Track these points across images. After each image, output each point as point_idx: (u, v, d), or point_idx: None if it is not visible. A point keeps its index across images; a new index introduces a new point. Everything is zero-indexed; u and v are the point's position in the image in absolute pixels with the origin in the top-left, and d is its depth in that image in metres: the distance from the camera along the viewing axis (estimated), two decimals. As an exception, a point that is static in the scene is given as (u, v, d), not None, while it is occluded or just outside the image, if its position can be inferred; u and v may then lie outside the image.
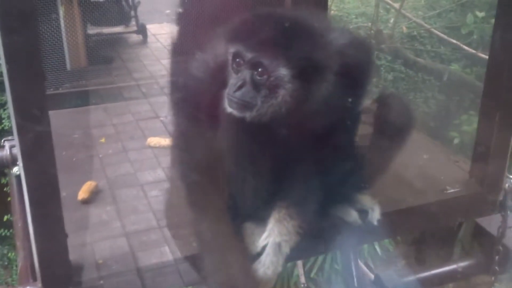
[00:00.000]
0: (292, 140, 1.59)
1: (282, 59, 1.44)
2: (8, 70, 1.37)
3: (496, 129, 2.07)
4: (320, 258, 4.81)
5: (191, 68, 1.62)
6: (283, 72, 1.44)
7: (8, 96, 1.46)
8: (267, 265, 1.61)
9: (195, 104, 1.64)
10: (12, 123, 1.51)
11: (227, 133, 1.60)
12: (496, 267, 2.34)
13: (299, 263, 4.60)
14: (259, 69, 1.45)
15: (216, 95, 1.55)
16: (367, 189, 1.85)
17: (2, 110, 4.96)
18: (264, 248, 1.63)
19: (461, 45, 5.17)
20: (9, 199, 5.02)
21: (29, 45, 1.37)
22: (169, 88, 1.73)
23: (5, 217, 5.13)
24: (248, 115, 1.49)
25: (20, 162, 1.52)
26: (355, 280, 2.27)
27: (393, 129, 1.71)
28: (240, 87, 1.47)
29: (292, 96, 1.47)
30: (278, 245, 1.61)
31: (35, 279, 1.76)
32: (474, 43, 5.35)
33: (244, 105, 1.48)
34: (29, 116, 1.42)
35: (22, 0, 1.33)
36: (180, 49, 1.99)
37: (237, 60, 1.48)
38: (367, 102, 1.70)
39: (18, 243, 2.36)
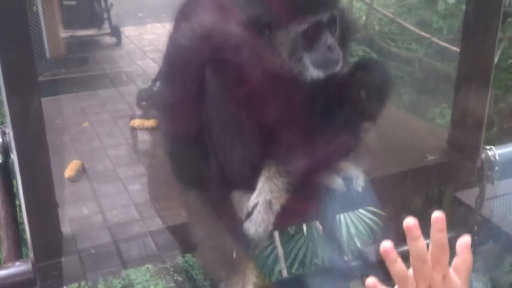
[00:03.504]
0: (287, 101, 1.63)
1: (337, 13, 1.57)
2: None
3: (471, 99, 2.17)
4: (301, 253, 4.91)
5: (181, 39, 1.64)
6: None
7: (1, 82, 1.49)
8: (258, 222, 1.63)
9: (184, 74, 1.65)
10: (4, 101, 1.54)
11: (216, 100, 1.62)
12: (476, 238, 2.42)
13: (281, 258, 4.68)
14: (333, 27, 1.57)
15: (206, 63, 1.58)
16: (351, 156, 1.88)
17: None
18: (254, 207, 1.65)
19: (433, 38, 5.30)
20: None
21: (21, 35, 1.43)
22: (162, 59, 1.75)
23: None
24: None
25: (11, 132, 1.54)
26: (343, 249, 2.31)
27: (373, 92, 1.72)
28: (329, 48, 1.55)
29: None
30: (269, 203, 1.63)
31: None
32: (444, 37, 5.48)
33: (335, 63, 1.58)
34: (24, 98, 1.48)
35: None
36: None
37: (315, 27, 1.53)
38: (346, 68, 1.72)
39: (1, 233, 2.34)
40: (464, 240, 0.92)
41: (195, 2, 1.72)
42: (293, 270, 4.72)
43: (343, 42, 1.63)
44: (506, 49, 5.06)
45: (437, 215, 0.89)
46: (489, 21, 2.09)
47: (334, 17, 1.56)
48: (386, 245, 0.89)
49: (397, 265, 0.89)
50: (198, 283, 4.62)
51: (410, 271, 0.92)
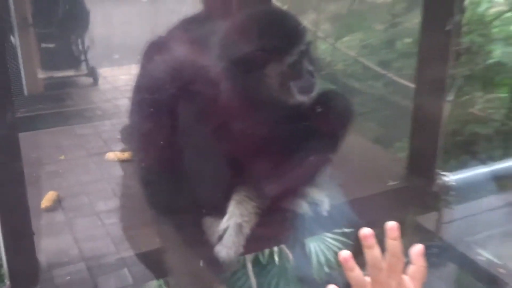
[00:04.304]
0: (256, 132, 1.66)
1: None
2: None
3: (426, 131, 2.27)
4: (274, 283, 4.89)
5: (155, 71, 1.67)
6: None
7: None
8: (229, 245, 1.64)
9: (156, 105, 1.67)
10: None
11: (187, 130, 1.64)
12: (435, 259, 2.48)
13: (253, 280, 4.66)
14: (309, 54, 1.63)
15: (177, 95, 1.61)
16: (317, 182, 1.92)
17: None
18: (225, 231, 1.66)
19: (396, 78, 5.43)
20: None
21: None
22: (132, 92, 1.77)
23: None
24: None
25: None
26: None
27: (336, 122, 1.79)
28: (310, 74, 1.62)
29: None
30: (239, 226, 1.65)
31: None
32: (403, 75, 5.62)
33: (315, 86, 1.64)
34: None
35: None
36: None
37: (298, 56, 1.59)
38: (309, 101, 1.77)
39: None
40: (418, 248, 0.94)
41: (171, 38, 1.77)
42: (264, 288, 4.68)
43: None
44: (461, 86, 5.23)
45: (391, 225, 0.91)
46: (440, 59, 2.17)
47: (309, 45, 1.63)
48: (345, 254, 0.91)
49: (354, 273, 0.91)
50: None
51: (368, 278, 0.93)
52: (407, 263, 0.96)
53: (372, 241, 0.91)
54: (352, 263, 0.91)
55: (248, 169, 1.70)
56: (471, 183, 2.53)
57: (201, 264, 1.70)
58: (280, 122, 1.67)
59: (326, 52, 6.21)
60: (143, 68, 1.71)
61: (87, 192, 2.33)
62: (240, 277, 4.71)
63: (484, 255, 2.49)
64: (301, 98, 1.64)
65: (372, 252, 0.91)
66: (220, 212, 1.72)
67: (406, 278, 0.94)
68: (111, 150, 2.65)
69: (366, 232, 0.90)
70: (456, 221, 2.66)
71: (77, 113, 3.26)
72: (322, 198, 1.91)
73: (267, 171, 1.71)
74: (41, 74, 4.11)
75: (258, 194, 1.70)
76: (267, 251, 4.91)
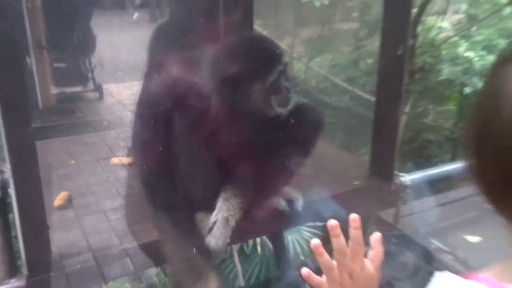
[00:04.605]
0: (241, 139, 1.68)
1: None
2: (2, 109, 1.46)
3: (385, 138, 2.30)
4: (256, 270, 4.89)
5: (155, 88, 1.67)
6: None
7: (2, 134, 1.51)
8: (218, 236, 1.65)
9: (155, 117, 1.67)
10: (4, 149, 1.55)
11: (182, 137, 1.65)
12: (394, 248, 2.50)
13: (240, 274, 4.66)
14: (286, 73, 1.65)
15: (174, 109, 1.63)
16: (292, 183, 1.92)
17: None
18: (214, 224, 1.67)
19: (360, 92, 5.48)
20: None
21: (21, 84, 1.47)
22: (135, 106, 1.78)
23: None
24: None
25: (10, 170, 1.54)
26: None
27: (308, 131, 1.81)
28: (287, 90, 1.64)
29: None
30: (226, 219, 1.66)
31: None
32: (367, 90, 5.67)
33: (291, 100, 1.66)
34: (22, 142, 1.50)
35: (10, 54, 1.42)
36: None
37: (277, 75, 1.61)
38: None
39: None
40: (376, 236, 0.95)
41: (169, 60, 1.77)
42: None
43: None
44: (416, 100, 5.30)
45: (353, 216, 0.92)
46: (397, 76, 2.22)
47: (286, 66, 1.66)
48: (315, 241, 0.92)
49: (324, 257, 0.92)
50: (169, 299, 4.52)
51: (335, 262, 0.93)
52: (368, 249, 0.98)
53: (338, 230, 0.91)
54: (321, 250, 0.92)
55: (234, 171, 1.72)
56: (424, 182, 2.57)
57: (194, 251, 1.71)
58: (261, 130, 1.69)
59: (300, 71, 6.26)
60: (145, 86, 1.71)
61: (94, 192, 2.32)
62: (228, 265, 4.72)
63: (435, 243, 2.52)
64: (280, 110, 1.66)
65: (338, 240, 0.91)
66: (209, 208, 1.73)
67: (367, 261, 0.95)
68: (116, 156, 2.65)
69: (332, 223, 0.91)
70: (412, 215, 2.69)
71: (85, 124, 3.25)
72: (297, 196, 1.93)
73: (250, 172, 1.72)
74: (54, 90, 4.09)
75: (242, 192, 1.71)
76: (250, 242, 4.91)
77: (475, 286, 0.71)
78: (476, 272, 0.75)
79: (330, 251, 0.95)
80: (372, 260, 0.95)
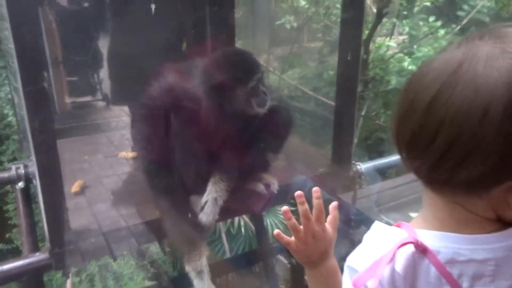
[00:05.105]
0: (226, 134, 1.71)
1: None
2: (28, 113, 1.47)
3: (343, 136, 2.35)
4: (241, 248, 4.93)
5: (155, 93, 1.70)
6: None
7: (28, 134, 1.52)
8: (208, 213, 1.68)
9: (155, 116, 1.70)
10: (30, 146, 1.56)
11: (177, 133, 1.68)
12: (352, 224, 2.56)
13: (227, 251, 4.69)
14: (263, 79, 1.68)
15: (171, 109, 1.66)
16: (269, 170, 1.96)
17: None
18: (205, 203, 1.70)
19: (322, 98, 5.55)
20: (8, 220, 4.69)
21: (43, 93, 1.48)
22: (139, 108, 1.79)
23: (7, 235, 4.78)
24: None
25: (35, 163, 1.55)
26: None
27: (282, 128, 1.86)
28: (264, 93, 1.66)
29: None
30: (215, 199, 1.69)
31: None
32: (330, 97, 5.74)
33: (267, 102, 1.68)
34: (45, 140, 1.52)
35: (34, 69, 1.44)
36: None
37: (256, 81, 1.65)
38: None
39: (23, 238, 2.28)
40: (333, 204, 0.99)
41: (166, 69, 1.79)
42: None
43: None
44: (370, 105, 5.40)
45: (315, 189, 0.95)
46: (352, 85, 2.27)
47: (263, 73, 1.70)
48: (285, 208, 0.95)
49: (292, 221, 0.94)
50: (168, 273, 4.53)
51: (301, 227, 0.95)
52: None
53: (303, 199, 0.94)
54: (290, 214, 0.95)
55: (221, 160, 1.74)
56: (376, 170, 2.64)
57: (189, 216, 1.72)
58: (243, 127, 1.73)
59: (274, 82, 6.31)
60: (147, 91, 1.72)
61: (104, 182, 2.31)
62: (217, 244, 4.75)
63: (385, 219, 2.59)
64: (259, 110, 1.70)
65: (303, 206, 0.94)
66: (201, 191, 1.75)
67: (326, 225, 0.97)
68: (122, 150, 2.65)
69: (299, 193, 0.94)
70: (367, 196, 2.76)
71: (95, 126, 3.23)
72: (272, 181, 1.94)
73: (234, 161, 1.75)
74: (68, 99, 4.08)
75: (228, 177, 1.73)
76: (236, 224, 4.94)
77: (397, 231, 0.76)
78: (402, 223, 0.81)
79: (297, 217, 1.00)
80: (330, 223, 0.98)
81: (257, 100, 1.68)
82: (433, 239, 0.72)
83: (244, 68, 1.66)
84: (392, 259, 0.72)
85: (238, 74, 1.65)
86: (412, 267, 0.72)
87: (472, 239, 0.70)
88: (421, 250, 0.72)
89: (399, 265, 0.72)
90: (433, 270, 0.71)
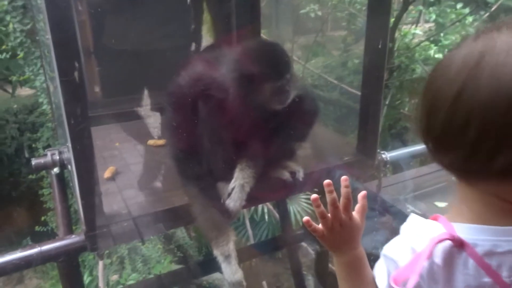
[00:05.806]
0: (253, 124, 1.71)
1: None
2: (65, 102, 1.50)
3: (369, 125, 2.30)
4: (264, 234, 4.97)
5: (185, 82, 1.71)
6: None
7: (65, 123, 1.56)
8: (235, 199, 1.69)
9: (185, 105, 1.71)
10: (66, 133, 1.60)
11: (206, 122, 1.69)
12: (377, 212, 2.54)
13: (251, 237, 4.74)
14: (290, 79, 1.65)
15: (200, 99, 1.67)
16: (294, 158, 1.96)
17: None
18: (232, 189, 1.71)
19: (346, 87, 5.49)
20: (44, 204, 4.85)
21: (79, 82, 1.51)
22: (168, 96, 1.81)
23: (42, 218, 4.97)
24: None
25: (71, 150, 1.59)
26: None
27: (306, 116, 1.84)
28: (288, 92, 1.65)
29: None
30: (242, 186, 1.70)
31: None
32: (354, 86, 5.68)
33: (289, 99, 1.66)
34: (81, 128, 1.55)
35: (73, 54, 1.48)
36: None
37: (285, 81, 1.63)
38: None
39: (59, 221, 2.35)
40: (362, 193, 1.00)
41: (197, 60, 1.79)
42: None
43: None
44: (394, 94, 5.30)
45: (344, 177, 0.96)
46: (378, 74, 2.20)
47: (292, 75, 1.67)
48: (314, 196, 0.95)
49: (320, 208, 0.95)
50: (194, 257, 4.62)
51: (329, 214, 0.96)
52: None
53: (331, 188, 0.95)
54: (318, 202, 0.95)
55: (248, 148, 1.75)
56: (401, 159, 2.60)
57: (217, 201, 1.72)
58: (270, 116, 1.72)
59: (298, 71, 6.28)
60: (176, 80, 1.73)
61: (134, 169, 2.34)
62: (241, 230, 4.79)
63: (410, 208, 2.55)
64: (277, 107, 1.69)
65: (331, 195, 0.95)
66: (228, 177, 1.77)
67: (354, 213, 0.98)
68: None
69: (327, 182, 0.95)
70: (391, 185, 2.72)
71: (124, 115, 3.28)
72: (298, 169, 1.94)
73: (260, 149, 1.76)
74: (97, 88, 4.14)
75: (254, 164, 1.74)
76: (259, 211, 4.97)
77: (434, 225, 0.77)
78: (438, 216, 0.81)
79: (325, 205, 1.00)
80: (358, 211, 0.99)
81: (281, 97, 1.66)
82: (469, 232, 0.73)
83: (277, 67, 1.64)
84: (430, 255, 0.74)
85: (270, 72, 1.62)
86: (450, 260, 0.74)
87: (509, 230, 0.70)
88: (459, 244, 0.72)
89: (438, 257, 0.74)
90: (471, 262, 0.72)
